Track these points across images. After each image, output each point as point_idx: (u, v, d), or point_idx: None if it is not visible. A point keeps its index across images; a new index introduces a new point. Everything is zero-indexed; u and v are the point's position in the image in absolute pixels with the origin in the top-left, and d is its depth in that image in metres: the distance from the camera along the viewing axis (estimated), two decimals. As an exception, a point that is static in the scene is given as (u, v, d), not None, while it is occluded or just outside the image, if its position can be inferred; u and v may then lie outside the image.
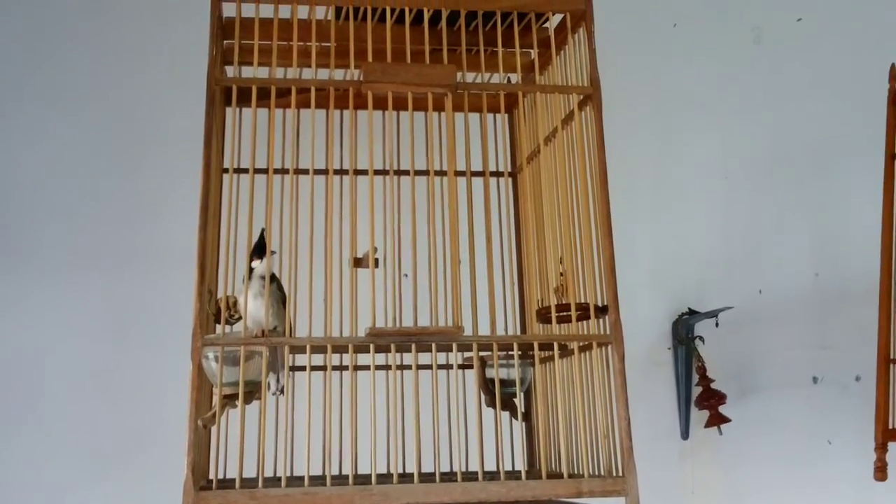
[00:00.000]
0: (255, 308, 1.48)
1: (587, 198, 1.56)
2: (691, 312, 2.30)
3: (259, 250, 1.51)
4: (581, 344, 1.53)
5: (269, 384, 1.54)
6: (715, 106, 2.46)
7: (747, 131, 2.47)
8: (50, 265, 2.09)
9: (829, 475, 2.30)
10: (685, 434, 2.27)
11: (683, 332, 2.29)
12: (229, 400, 1.38)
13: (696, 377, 2.25)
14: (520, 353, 1.54)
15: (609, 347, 1.47)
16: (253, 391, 1.40)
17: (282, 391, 1.59)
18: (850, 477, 2.24)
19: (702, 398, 2.22)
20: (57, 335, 2.06)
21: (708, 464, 2.27)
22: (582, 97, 1.59)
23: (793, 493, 2.28)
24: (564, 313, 1.54)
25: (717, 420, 2.19)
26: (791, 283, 2.40)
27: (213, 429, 1.50)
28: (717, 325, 2.29)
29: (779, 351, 2.35)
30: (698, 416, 2.26)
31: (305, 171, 1.50)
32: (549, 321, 1.55)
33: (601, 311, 1.50)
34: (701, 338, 2.28)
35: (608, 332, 1.48)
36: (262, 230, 1.49)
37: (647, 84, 2.42)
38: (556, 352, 1.52)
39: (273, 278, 1.51)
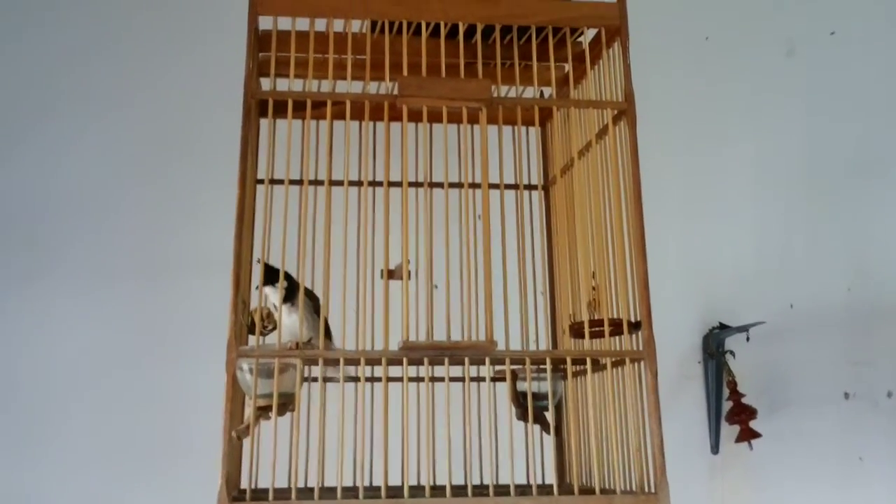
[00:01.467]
0: (289, 321, 1.49)
1: (620, 212, 1.55)
2: (722, 327, 2.29)
3: (269, 278, 1.51)
4: (613, 359, 1.52)
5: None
6: (747, 119, 2.45)
7: (780, 144, 2.45)
8: (83, 275, 2.10)
9: (860, 492, 2.27)
10: (715, 448, 2.25)
11: (714, 346, 2.28)
12: (263, 412, 1.38)
13: (726, 392, 2.24)
14: (551, 366, 1.54)
15: (642, 363, 1.47)
16: (286, 403, 1.40)
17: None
18: (882, 494, 2.22)
19: (732, 413, 2.21)
20: (89, 346, 2.06)
21: (738, 479, 2.26)
22: (616, 112, 1.58)
23: (823, 510, 2.27)
24: (597, 328, 1.54)
25: (747, 435, 2.18)
26: (823, 297, 2.38)
27: (247, 439, 1.51)
28: (748, 339, 2.28)
29: (810, 366, 2.33)
30: (729, 430, 2.24)
31: (340, 183, 1.50)
32: (581, 336, 1.55)
33: (634, 326, 1.50)
34: (732, 352, 2.27)
35: (641, 348, 1.48)
36: (258, 260, 1.50)
37: (679, 96, 2.41)
38: (589, 367, 1.52)
39: (305, 290, 1.51)
